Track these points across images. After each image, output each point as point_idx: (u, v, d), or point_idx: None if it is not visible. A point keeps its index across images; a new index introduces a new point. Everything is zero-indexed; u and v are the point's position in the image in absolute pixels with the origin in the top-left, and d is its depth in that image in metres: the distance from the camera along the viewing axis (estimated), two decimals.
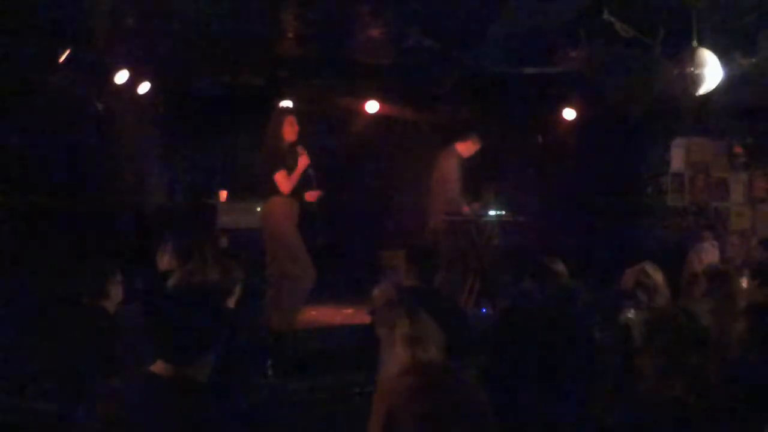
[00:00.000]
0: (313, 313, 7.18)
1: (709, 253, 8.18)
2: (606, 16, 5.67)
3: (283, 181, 6.07)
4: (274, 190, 6.17)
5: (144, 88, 7.40)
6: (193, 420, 2.40)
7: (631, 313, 3.97)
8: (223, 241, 7.90)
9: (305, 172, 6.17)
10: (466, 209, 7.56)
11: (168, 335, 2.51)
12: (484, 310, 7.26)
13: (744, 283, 4.90)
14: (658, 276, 4.19)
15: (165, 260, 5.18)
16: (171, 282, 3.98)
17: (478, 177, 8.21)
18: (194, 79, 7.75)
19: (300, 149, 6.17)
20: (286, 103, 8.13)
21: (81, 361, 3.41)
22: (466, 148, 7.77)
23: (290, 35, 6.82)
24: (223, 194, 8.20)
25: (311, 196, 6.31)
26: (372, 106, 8.83)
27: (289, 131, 6.23)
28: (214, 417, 2.44)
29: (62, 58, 6.25)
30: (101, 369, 3.27)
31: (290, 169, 6.11)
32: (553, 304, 4.00)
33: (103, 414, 2.42)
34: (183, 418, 2.39)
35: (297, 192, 6.21)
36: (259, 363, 4.07)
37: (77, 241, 6.67)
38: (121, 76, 7.01)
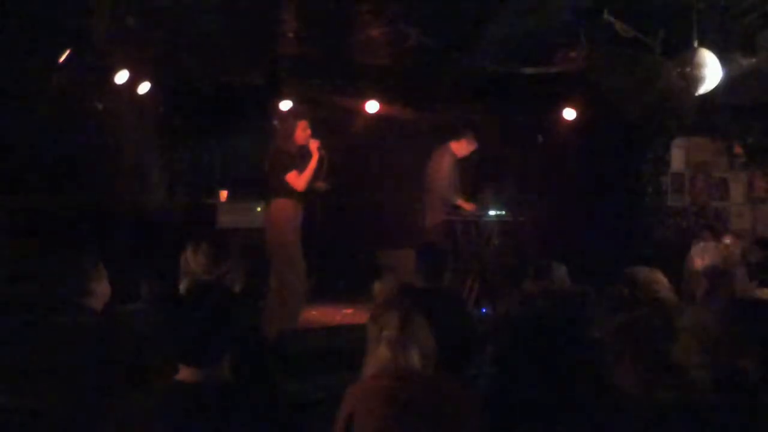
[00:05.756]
0: (313, 313, 7.18)
1: (711, 254, 8.13)
2: (606, 16, 5.68)
3: (295, 179, 6.16)
4: (280, 192, 6.22)
5: (144, 88, 7.39)
6: (232, 420, 2.31)
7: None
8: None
9: (321, 165, 6.26)
10: (460, 203, 7.55)
11: (192, 338, 2.40)
12: (484, 310, 7.26)
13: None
14: (653, 276, 4.13)
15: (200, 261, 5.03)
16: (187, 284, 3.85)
17: (477, 177, 8.20)
18: (194, 79, 7.74)
19: (313, 143, 6.30)
20: (288, 104, 8.13)
21: (66, 365, 3.23)
22: (459, 147, 7.75)
23: (290, 35, 6.82)
24: (223, 194, 8.19)
25: (321, 184, 6.41)
26: (372, 106, 8.83)
27: (302, 136, 6.35)
28: (249, 415, 2.36)
29: (62, 58, 6.25)
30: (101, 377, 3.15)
31: (300, 170, 6.20)
32: (554, 307, 3.96)
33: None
34: (222, 421, 2.29)
35: (306, 191, 6.29)
36: (259, 363, 4.06)
37: (77, 242, 6.66)
38: (121, 76, 7.00)
